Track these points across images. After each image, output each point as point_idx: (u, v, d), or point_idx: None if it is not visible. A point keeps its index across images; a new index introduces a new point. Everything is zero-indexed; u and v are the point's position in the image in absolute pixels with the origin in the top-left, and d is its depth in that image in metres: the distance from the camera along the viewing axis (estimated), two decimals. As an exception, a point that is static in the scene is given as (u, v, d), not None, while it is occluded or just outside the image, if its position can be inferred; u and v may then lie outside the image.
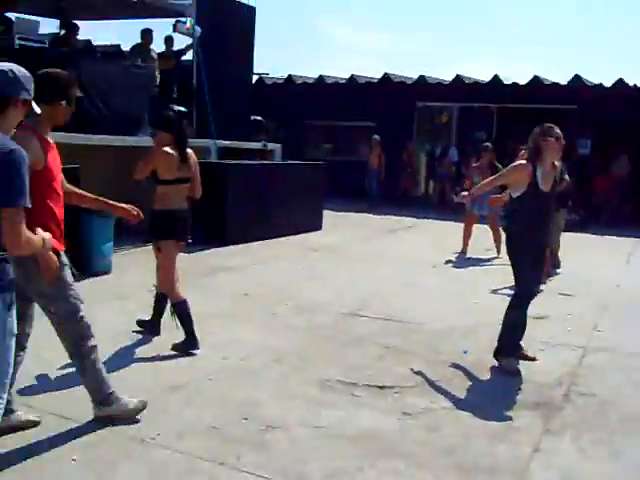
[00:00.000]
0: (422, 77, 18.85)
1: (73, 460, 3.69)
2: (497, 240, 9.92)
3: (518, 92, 17.51)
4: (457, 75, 18.50)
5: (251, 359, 5.49)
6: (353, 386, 4.98)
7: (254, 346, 5.81)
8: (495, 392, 5.02)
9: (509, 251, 5.58)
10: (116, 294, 7.36)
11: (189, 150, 5.72)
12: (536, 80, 17.75)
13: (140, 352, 5.59)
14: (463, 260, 10.38)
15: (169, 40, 12.51)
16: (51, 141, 3.80)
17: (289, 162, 13.10)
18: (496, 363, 5.51)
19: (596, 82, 17.55)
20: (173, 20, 11.46)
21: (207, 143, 11.65)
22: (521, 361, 5.51)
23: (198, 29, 11.40)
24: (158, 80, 11.50)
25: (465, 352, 5.86)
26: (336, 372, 5.24)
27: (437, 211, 16.64)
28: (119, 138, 10.08)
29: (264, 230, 11.37)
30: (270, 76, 20.85)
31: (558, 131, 5.31)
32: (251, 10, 12.87)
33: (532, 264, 5.43)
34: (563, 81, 17.68)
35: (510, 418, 4.51)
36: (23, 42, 9.19)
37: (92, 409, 4.14)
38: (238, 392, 4.78)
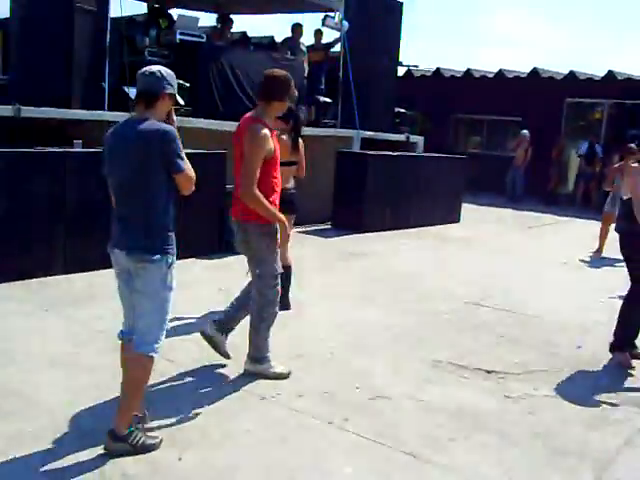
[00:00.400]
0: (572, 73, 18.40)
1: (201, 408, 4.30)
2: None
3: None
4: (609, 71, 17.92)
5: (371, 337, 5.92)
6: (462, 368, 5.29)
7: (375, 325, 6.23)
8: (601, 385, 5.14)
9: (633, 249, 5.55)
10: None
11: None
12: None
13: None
14: (597, 259, 10.28)
15: (318, 34, 13.08)
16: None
17: (430, 154, 13.34)
18: (610, 359, 5.62)
19: None
20: (322, 15, 11.97)
21: (351, 133, 12.14)
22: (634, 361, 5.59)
23: (346, 23, 11.87)
24: (307, 72, 12.07)
25: (579, 347, 5.99)
26: (449, 355, 5.56)
27: (580, 210, 16.28)
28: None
29: (400, 220, 11.74)
30: (419, 69, 21.05)
31: None
32: (398, 5, 13.19)
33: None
34: None
35: (610, 411, 4.66)
36: (183, 37, 10.01)
37: (244, 362, 4.81)
38: (355, 364, 5.22)
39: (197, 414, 4.19)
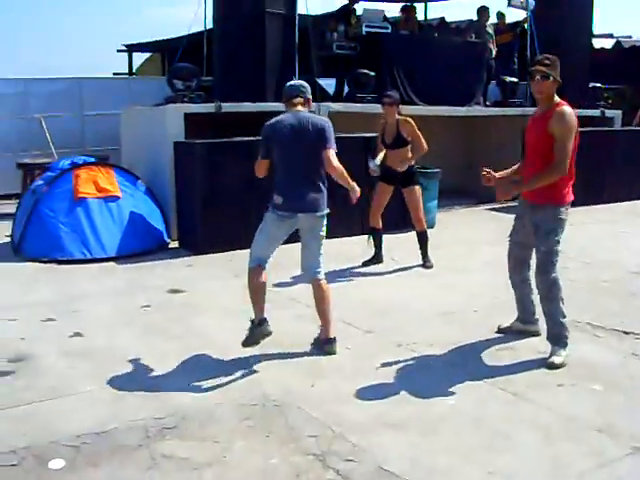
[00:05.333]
0: None
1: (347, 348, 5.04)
2: None
3: None
4: None
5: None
6: (600, 329, 5.51)
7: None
8: None
9: None
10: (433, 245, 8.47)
11: None
12: None
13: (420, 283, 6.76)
14: None
15: (501, 16, 13.27)
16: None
17: (624, 128, 12.93)
18: None
19: None
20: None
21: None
22: None
23: (532, 1, 11.91)
24: (494, 53, 12.30)
25: None
26: (591, 316, 5.77)
27: None
28: (452, 109, 11.17)
29: (592, 195, 11.59)
30: (632, 40, 20.01)
31: None
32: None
33: None
34: None
35: None
36: (369, 29, 10.73)
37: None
38: (490, 320, 5.63)
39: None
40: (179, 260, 7.99)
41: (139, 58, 21.07)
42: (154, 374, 4.69)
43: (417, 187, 7.49)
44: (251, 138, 8.42)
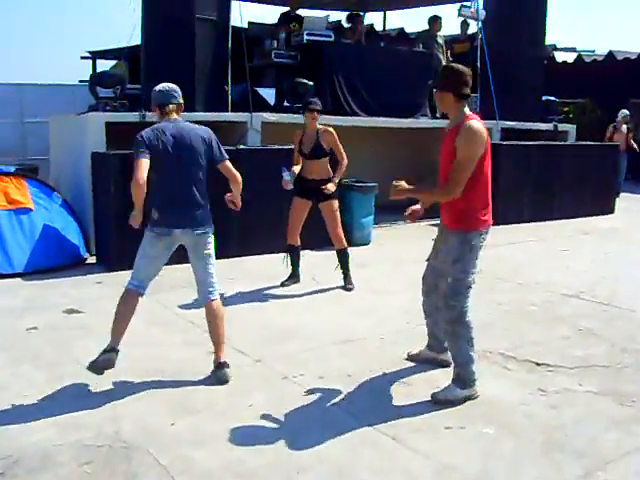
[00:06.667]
0: None
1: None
2: None
3: None
4: None
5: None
6: (512, 360, 5.09)
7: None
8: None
9: None
10: (361, 263, 8.06)
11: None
12: None
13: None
14: None
15: (464, 25, 12.89)
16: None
17: (576, 143, 12.63)
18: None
19: None
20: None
21: (489, 124, 11.81)
22: None
23: (482, 12, 11.58)
24: (444, 63, 11.95)
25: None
26: (505, 346, 5.37)
27: None
28: (396, 120, 10.80)
29: (541, 212, 11.28)
30: (594, 54, 19.81)
31: None
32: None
33: None
34: None
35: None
36: (310, 37, 10.31)
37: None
38: (394, 349, 5.21)
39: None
40: (90, 277, 7.51)
41: (104, 66, 20.58)
42: (5, 409, 4.21)
43: (334, 201, 7.02)
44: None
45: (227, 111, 9.39)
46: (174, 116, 4.59)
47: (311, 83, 9.88)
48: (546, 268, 8.12)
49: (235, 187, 4.74)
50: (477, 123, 4.28)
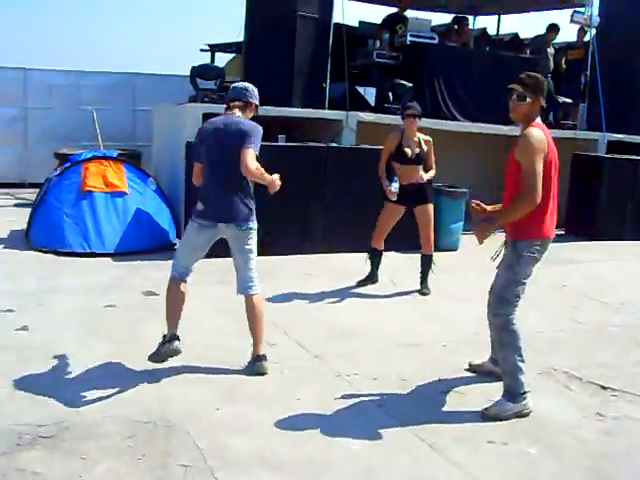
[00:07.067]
0: None
1: (282, 372, 4.63)
2: None
3: None
4: None
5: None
6: (576, 380, 4.90)
7: (531, 329, 5.69)
8: None
9: None
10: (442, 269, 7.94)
11: None
12: None
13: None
14: None
15: (580, 31, 12.47)
16: None
17: None
18: None
19: None
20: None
21: (594, 136, 11.40)
22: None
23: (597, 19, 11.15)
24: (551, 70, 11.61)
25: None
26: (572, 365, 5.17)
27: None
28: (494, 127, 10.55)
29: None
30: None
31: None
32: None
33: None
34: None
35: None
36: (414, 39, 10.23)
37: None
38: (455, 357, 5.13)
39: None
40: (174, 262, 7.77)
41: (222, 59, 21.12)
42: (66, 377, 4.45)
43: (430, 205, 6.98)
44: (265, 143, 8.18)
45: (324, 108, 9.47)
46: (237, 113, 4.60)
47: (410, 85, 9.83)
48: (637, 289, 7.75)
49: (248, 176, 4.50)
50: (537, 131, 4.19)
